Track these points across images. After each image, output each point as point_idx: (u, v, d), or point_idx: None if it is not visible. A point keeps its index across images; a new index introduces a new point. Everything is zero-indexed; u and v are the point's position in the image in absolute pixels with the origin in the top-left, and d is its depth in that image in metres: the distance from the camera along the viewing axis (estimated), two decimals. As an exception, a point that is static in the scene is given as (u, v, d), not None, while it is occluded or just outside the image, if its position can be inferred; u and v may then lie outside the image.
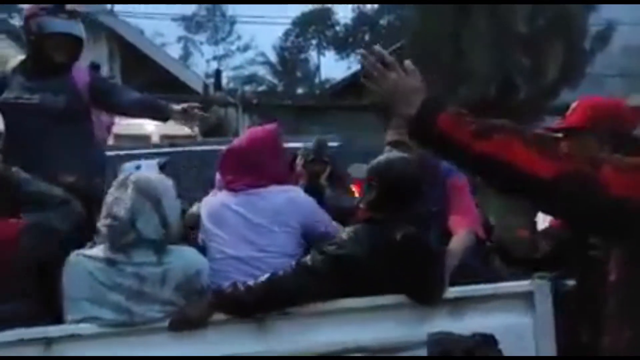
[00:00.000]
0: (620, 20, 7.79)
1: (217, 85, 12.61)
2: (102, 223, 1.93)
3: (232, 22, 31.90)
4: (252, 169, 2.20)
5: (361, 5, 30.65)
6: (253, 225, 2.13)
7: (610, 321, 1.27)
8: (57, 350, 1.81)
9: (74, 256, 1.92)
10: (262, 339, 1.92)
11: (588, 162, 1.12)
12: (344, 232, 2.05)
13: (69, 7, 2.84)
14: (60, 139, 2.69)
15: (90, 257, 1.90)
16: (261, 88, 30.15)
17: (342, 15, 31.87)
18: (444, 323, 1.98)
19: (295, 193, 2.28)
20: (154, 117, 3.10)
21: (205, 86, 12.06)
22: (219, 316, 1.91)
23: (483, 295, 2.03)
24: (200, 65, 30.59)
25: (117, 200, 1.92)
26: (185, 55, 31.00)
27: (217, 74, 12.80)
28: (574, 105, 2.16)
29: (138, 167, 2.82)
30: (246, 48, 32.60)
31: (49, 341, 1.81)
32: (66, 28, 2.76)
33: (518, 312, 2.02)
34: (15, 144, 2.77)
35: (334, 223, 2.31)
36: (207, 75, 24.20)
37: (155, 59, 12.16)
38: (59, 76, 2.79)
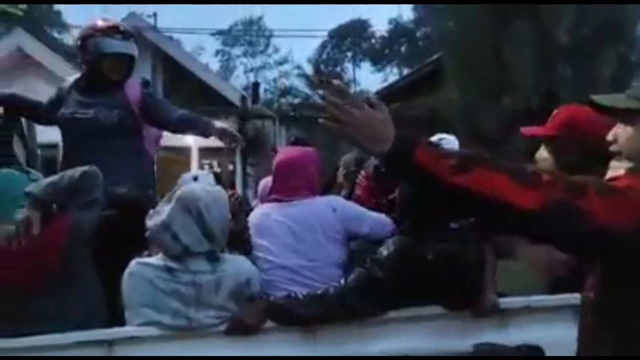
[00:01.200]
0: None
1: (255, 97, 12.82)
2: (147, 234, 2.02)
3: (269, 36, 32.40)
4: (301, 179, 2.29)
5: (398, 17, 30.67)
6: (298, 235, 2.21)
7: (590, 335, 1.30)
8: (119, 352, 1.91)
9: (134, 265, 2.02)
10: (310, 346, 1.98)
11: (571, 189, 1.10)
12: (384, 248, 2.07)
13: (122, 27, 3.01)
14: (114, 151, 2.83)
15: (149, 265, 2.00)
16: (297, 100, 30.48)
17: (378, 28, 31.82)
18: (490, 334, 2.00)
19: (335, 201, 2.36)
20: (197, 134, 3.24)
21: (243, 99, 12.27)
22: (270, 323, 1.98)
23: (530, 306, 2.05)
24: (238, 78, 31.16)
25: (158, 212, 2.02)
26: (223, 68, 31.62)
27: (255, 86, 12.99)
28: (554, 113, 2.23)
29: (195, 178, 2.93)
30: (283, 62, 33.05)
31: (111, 343, 1.91)
32: (121, 48, 2.92)
33: (564, 324, 2.01)
34: (72, 155, 2.94)
35: (380, 217, 2.32)
36: (245, 88, 24.60)
37: (195, 73, 12.48)
38: (113, 92, 2.94)
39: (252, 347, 1.95)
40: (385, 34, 31.62)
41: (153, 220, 1.98)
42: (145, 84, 3.07)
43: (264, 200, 2.85)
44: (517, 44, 7.06)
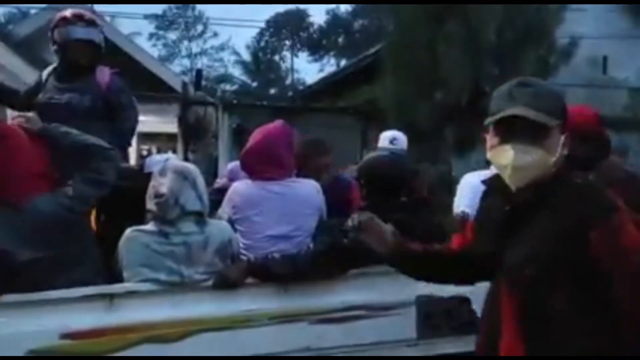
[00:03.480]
0: (584, 34, 8.42)
1: (198, 85, 12.88)
2: (151, 203, 2.32)
3: (205, 22, 32.04)
4: (272, 161, 2.63)
5: (335, 8, 31.12)
6: (289, 210, 2.57)
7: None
8: (119, 305, 2.20)
9: (130, 231, 2.31)
10: (283, 298, 2.35)
11: None
12: (350, 219, 2.47)
13: (85, 15, 3.24)
14: (88, 134, 3.08)
15: (144, 231, 2.30)
16: (234, 87, 30.37)
17: (317, 19, 32.18)
18: (429, 287, 2.43)
19: (318, 186, 2.73)
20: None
21: (184, 85, 12.30)
22: (250, 279, 2.34)
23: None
24: (174, 64, 30.62)
25: (161, 183, 2.33)
26: (158, 53, 30.97)
27: (198, 73, 13.05)
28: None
29: (167, 160, 3.20)
30: (221, 48, 32.75)
31: (112, 297, 2.21)
32: (84, 35, 3.16)
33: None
34: None
35: None
36: (183, 73, 24.26)
37: (135, 58, 12.34)
38: (84, 78, 3.18)
39: (234, 300, 2.30)
40: (323, 25, 32.02)
41: (156, 192, 2.28)
42: (117, 73, 3.30)
43: (236, 178, 3.16)
44: (449, 43, 7.64)
